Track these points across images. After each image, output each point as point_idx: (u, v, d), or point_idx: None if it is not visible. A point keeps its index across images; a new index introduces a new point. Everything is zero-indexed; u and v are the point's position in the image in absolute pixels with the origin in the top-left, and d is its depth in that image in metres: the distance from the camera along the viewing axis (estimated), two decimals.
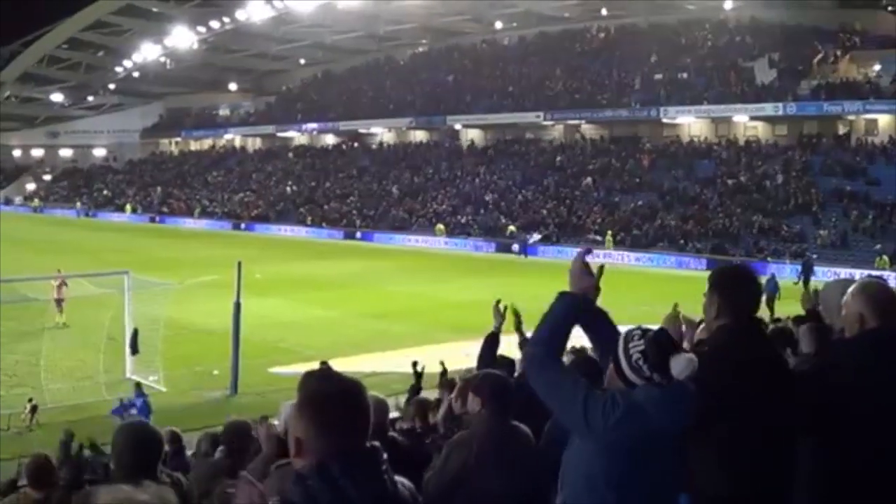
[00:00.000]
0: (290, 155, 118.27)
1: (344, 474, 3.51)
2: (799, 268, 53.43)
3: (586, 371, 5.63)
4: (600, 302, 5.36)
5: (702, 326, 7.08)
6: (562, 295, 5.14)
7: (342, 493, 3.48)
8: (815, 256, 58.19)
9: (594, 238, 70.88)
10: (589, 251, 5.36)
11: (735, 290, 5.73)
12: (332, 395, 3.69)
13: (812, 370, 6.09)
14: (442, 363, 16.63)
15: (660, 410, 4.76)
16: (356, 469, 3.55)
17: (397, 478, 3.92)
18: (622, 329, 5.16)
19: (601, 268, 5.32)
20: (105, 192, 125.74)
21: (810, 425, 5.61)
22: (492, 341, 10.67)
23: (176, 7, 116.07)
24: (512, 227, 79.99)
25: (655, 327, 5.16)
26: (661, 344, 4.87)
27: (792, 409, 5.52)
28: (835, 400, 5.49)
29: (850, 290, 5.83)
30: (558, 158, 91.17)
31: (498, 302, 10.75)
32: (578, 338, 5.49)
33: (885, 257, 56.46)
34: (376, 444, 3.73)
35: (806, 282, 48.68)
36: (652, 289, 46.32)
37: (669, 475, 4.96)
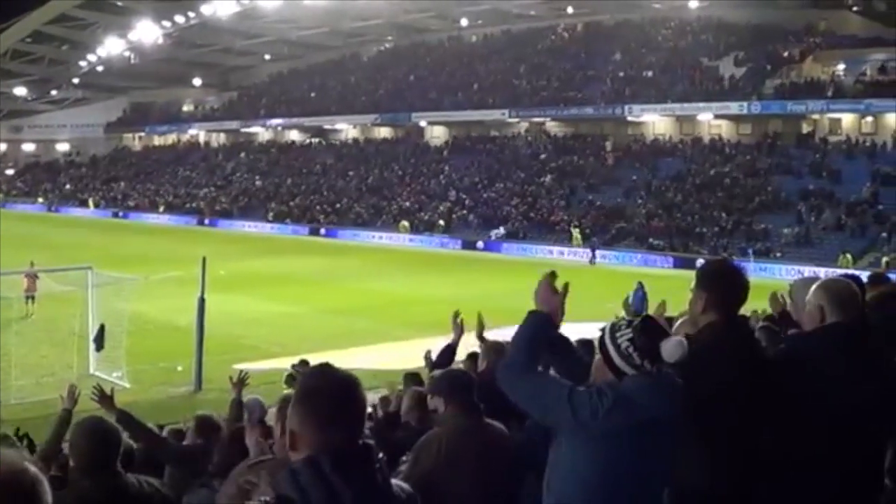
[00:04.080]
0: (242, 155, 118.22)
1: (335, 470, 3.50)
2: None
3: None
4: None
5: (681, 320, 7.14)
6: (531, 313, 5.17)
7: (332, 489, 3.47)
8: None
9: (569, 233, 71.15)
10: (554, 274, 5.35)
11: (722, 286, 5.80)
12: (325, 390, 3.68)
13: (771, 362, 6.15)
14: None
15: (649, 400, 4.79)
16: (348, 465, 3.55)
17: (395, 481, 3.92)
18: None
19: (566, 287, 5.30)
20: (68, 186, 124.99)
21: (769, 416, 5.69)
22: (448, 354, 10.68)
23: (141, 1, 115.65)
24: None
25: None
26: (650, 330, 4.91)
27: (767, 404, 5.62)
28: (792, 392, 5.62)
29: (813, 286, 5.97)
30: (523, 155, 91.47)
31: (456, 314, 10.77)
32: None
33: (849, 255, 56.69)
34: (370, 441, 3.73)
35: None
36: (616, 287, 46.30)
37: (661, 466, 4.99)
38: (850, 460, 5.53)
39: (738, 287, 5.85)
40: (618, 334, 4.93)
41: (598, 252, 67.63)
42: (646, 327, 4.91)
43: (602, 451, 4.77)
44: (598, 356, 5.09)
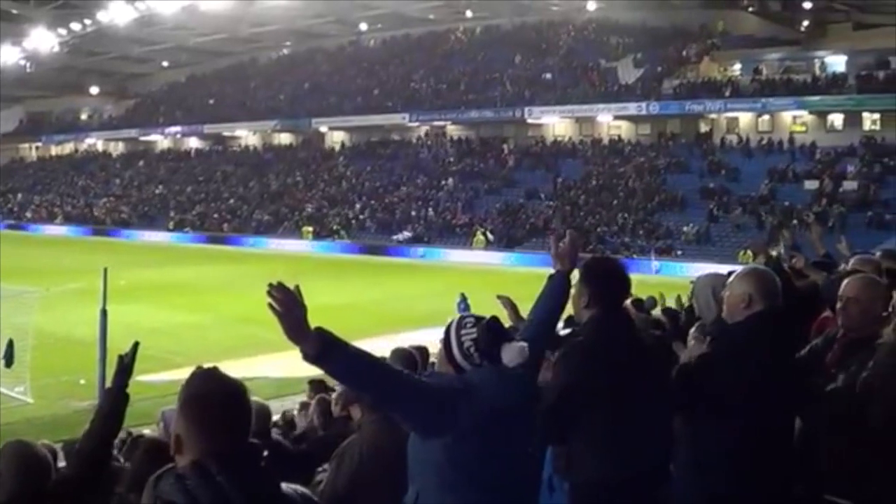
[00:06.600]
0: (141, 163, 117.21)
1: (221, 472, 3.51)
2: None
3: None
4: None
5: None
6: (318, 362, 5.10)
7: (221, 491, 3.48)
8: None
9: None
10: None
11: (604, 281, 5.99)
12: (211, 395, 3.71)
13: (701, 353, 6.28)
14: None
15: (495, 390, 4.84)
16: (234, 467, 3.56)
17: (288, 485, 3.91)
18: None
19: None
20: None
21: (695, 405, 5.88)
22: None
23: (36, 9, 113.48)
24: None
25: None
26: (494, 332, 4.98)
27: (666, 391, 5.86)
28: (722, 379, 5.78)
29: (736, 274, 6.20)
30: (424, 159, 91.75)
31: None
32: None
33: (749, 252, 57.29)
34: (255, 441, 3.75)
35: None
36: (510, 290, 46.28)
37: (518, 455, 4.99)
38: (765, 439, 5.72)
39: (619, 282, 6.08)
40: (462, 332, 5.01)
41: (499, 254, 68.21)
42: (490, 330, 4.98)
43: (453, 442, 4.77)
44: (440, 348, 5.16)
